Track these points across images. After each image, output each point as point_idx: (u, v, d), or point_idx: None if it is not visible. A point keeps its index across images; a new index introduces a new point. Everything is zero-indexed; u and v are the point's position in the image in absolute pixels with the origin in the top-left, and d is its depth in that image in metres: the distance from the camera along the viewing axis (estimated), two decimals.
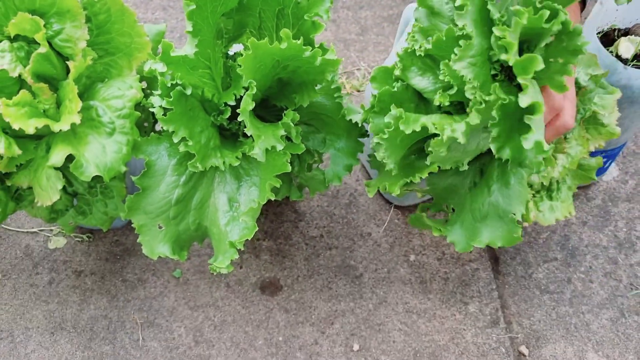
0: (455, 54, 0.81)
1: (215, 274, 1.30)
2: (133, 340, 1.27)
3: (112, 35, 0.99)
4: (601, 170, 1.40)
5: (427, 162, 0.93)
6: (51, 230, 1.41)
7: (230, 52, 1.09)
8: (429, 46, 0.89)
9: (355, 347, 1.26)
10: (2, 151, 0.87)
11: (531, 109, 0.75)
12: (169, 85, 0.89)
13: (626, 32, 1.20)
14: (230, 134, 1.05)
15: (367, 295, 1.32)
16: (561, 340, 1.26)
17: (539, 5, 0.76)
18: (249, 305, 1.30)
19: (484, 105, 0.80)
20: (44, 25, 0.93)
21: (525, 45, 0.83)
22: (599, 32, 1.21)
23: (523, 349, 1.25)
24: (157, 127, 1.22)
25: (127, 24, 0.98)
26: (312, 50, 0.89)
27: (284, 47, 0.86)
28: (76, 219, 1.13)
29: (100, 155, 0.91)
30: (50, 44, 0.95)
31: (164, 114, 0.90)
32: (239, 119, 0.86)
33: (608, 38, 1.21)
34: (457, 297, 1.31)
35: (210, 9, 0.94)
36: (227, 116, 0.97)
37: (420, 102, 0.97)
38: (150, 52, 0.99)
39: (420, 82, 0.94)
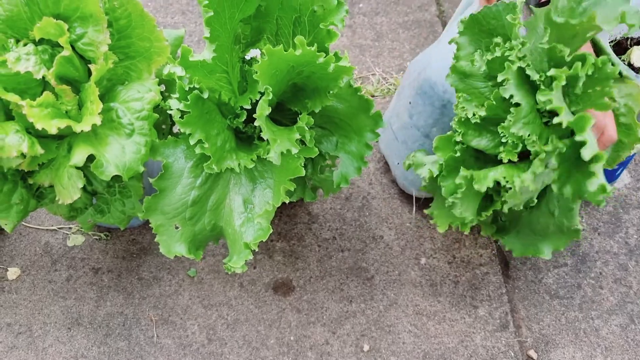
0: (510, 120, 0.90)
1: (229, 273, 1.33)
2: (148, 337, 1.30)
3: (132, 39, 1.02)
4: (613, 177, 1.41)
5: (505, 210, 1.02)
6: (70, 228, 1.44)
7: (247, 57, 1.11)
8: (483, 113, 0.97)
9: (366, 347, 1.27)
10: (26, 150, 0.90)
11: (594, 159, 0.84)
12: (187, 88, 0.92)
13: (639, 41, 1.21)
14: (246, 137, 1.08)
15: (378, 297, 1.34)
16: (570, 345, 1.27)
17: (568, 59, 0.86)
18: (262, 305, 1.33)
19: (544, 154, 0.89)
20: (68, 29, 0.96)
21: (566, 88, 0.91)
22: (611, 41, 1.22)
23: (532, 353, 1.26)
24: (175, 129, 1.25)
25: (147, 29, 1.00)
26: (325, 57, 0.91)
27: (298, 54, 0.88)
28: (95, 217, 1.16)
29: (119, 155, 0.94)
30: (73, 47, 0.98)
31: (181, 117, 0.93)
32: (255, 123, 0.89)
33: (621, 47, 1.22)
34: (467, 300, 1.33)
35: (228, 16, 0.97)
36: (243, 119, 1.00)
37: (480, 155, 1.06)
38: (170, 56, 1.02)
39: (480, 142, 1.02)
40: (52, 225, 1.44)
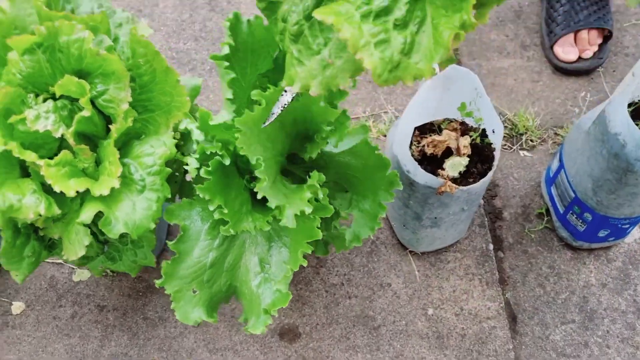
0: None
1: (235, 317, 1.32)
2: None
3: (154, 93, 1.00)
4: (624, 233, 1.40)
5: None
6: None
7: None
8: None
9: None
10: (43, 212, 0.89)
11: None
12: (208, 153, 0.91)
13: None
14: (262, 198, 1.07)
15: (384, 347, 1.33)
16: None
17: None
18: (268, 352, 1.32)
19: None
20: (88, 86, 0.95)
21: None
22: (630, 104, 1.22)
23: None
24: (188, 177, 1.24)
25: (170, 84, 0.99)
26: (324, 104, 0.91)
27: (297, 105, 0.88)
28: (105, 264, 1.15)
29: (130, 212, 0.93)
30: (93, 103, 0.97)
31: (199, 175, 0.92)
32: (258, 196, 0.87)
33: (639, 112, 1.21)
34: (473, 355, 1.32)
35: (249, 74, 0.96)
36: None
37: None
38: (188, 112, 1.01)
39: None
40: (58, 259, 1.43)
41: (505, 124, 1.63)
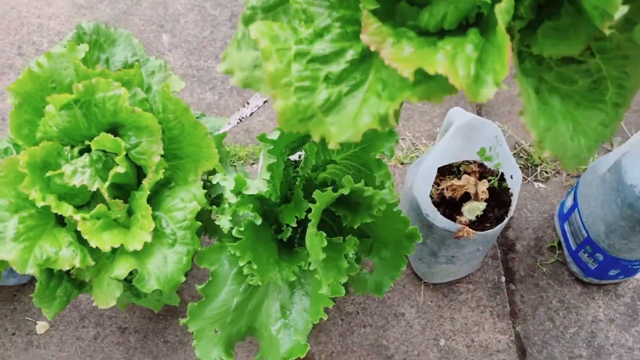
0: None
1: (251, 345, 1.36)
2: None
3: (182, 144, 1.03)
4: (633, 272, 1.43)
5: None
6: None
7: (292, 158, 1.13)
8: None
9: None
10: (78, 265, 0.93)
11: None
12: (241, 214, 0.94)
13: None
14: (286, 242, 1.10)
15: None
16: None
17: None
18: None
19: None
20: (122, 138, 0.98)
21: None
22: None
23: None
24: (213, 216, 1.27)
25: (198, 137, 1.02)
26: (372, 191, 0.93)
27: (346, 193, 0.90)
28: (130, 299, 1.19)
29: (161, 266, 0.96)
30: (126, 154, 0.99)
31: (231, 234, 0.95)
32: (311, 267, 0.91)
33: None
34: None
35: (283, 147, 0.98)
36: (288, 235, 1.02)
37: None
38: (219, 164, 1.03)
39: None
40: None
41: (521, 155, 1.65)
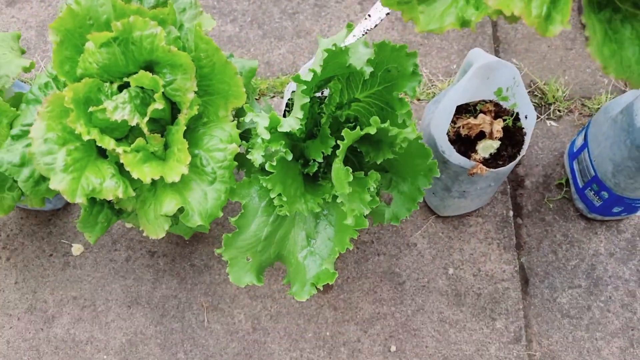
0: None
1: (273, 267, 1.46)
2: (199, 321, 1.45)
3: (213, 82, 1.07)
4: (635, 210, 1.51)
5: None
6: None
7: (317, 95, 1.18)
8: None
9: (393, 348, 1.43)
10: (121, 195, 1.00)
11: None
12: (273, 150, 1.00)
13: None
14: (311, 176, 1.16)
15: (407, 301, 1.48)
16: None
17: None
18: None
19: None
20: (157, 75, 1.02)
21: None
22: None
23: None
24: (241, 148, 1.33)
25: (228, 76, 1.06)
26: (397, 130, 0.98)
27: (373, 132, 0.96)
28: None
29: (202, 202, 1.04)
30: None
31: (263, 169, 1.02)
32: (338, 200, 0.98)
33: None
34: (486, 312, 1.47)
35: (313, 86, 1.03)
36: (314, 170, 1.09)
37: None
38: (247, 104, 1.08)
39: None
40: None
41: (535, 93, 1.69)
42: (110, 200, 1.13)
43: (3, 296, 1.48)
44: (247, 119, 1.05)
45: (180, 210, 1.03)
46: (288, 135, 1.07)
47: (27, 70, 1.16)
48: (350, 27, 1.03)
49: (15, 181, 1.17)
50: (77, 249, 1.51)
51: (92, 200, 1.10)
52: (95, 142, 1.03)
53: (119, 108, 0.99)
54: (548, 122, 1.67)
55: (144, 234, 1.08)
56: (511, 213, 1.57)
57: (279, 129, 0.98)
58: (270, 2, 1.82)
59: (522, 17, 0.60)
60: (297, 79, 0.96)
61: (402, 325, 1.46)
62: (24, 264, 1.50)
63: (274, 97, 1.70)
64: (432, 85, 1.71)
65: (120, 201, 1.10)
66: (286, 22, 1.79)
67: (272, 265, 1.20)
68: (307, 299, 1.11)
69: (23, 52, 1.25)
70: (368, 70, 1.01)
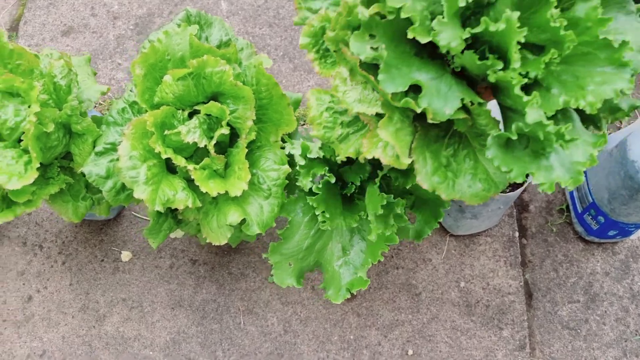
0: None
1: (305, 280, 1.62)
2: (236, 323, 1.61)
3: (268, 111, 1.26)
4: (629, 233, 1.68)
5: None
6: None
7: None
8: None
9: (410, 352, 1.59)
10: (190, 206, 1.17)
11: None
12: (319, 175, 1.18)
13: None
14: (348, 196, 1.34)
15: (423, 310, 1.64)
16: None
17: None
18: (329, 307, 1.64)
19: None
20: (222, 104, 1.21)
21: None
22: None
23: None
24: None
25: (282, 106, 1.24)
26: None
27: None
28: None
29: (259, 214, 1.21)
30: None
31: (310, 192, 1.19)
32: (371, 237, 1.15)
33: None
34: (494, 322, 1.64)
35: None
36: (352, 191, 1.26)
37: None
38: (286, 136, 1.26)
39: None
40: None
41: None
42: (174, 211, 1.30)
43: (59, 296, 1.64)
44: (286, 150, 1.23)
45: (242, 221, 1.20)
46: (327, 161, 1.25)
47: (103, 94, 1.34)
48: None
49: (88, 192, 1.35)
50: (126, 255, 1.68)
51: (165, 212, 1.28)
52: (166, 159, 1.21)
53: (191, 132, 1.17)
54: None
55: (207, 241, 1.25)
56: (517, 234, 1.74)
57: (308, 155, 1.15)
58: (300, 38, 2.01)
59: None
60: None
61: (418, 331, 1.62)
62: (78, 267, 1.67)
63: (304, 124, 1.88)
64: None
65: (184, 211, 1.27)
66: None
67: (312, 272, 1.36)
68: (339, 303, 1.28)
69: (95, 74, 1.43)
70: None
